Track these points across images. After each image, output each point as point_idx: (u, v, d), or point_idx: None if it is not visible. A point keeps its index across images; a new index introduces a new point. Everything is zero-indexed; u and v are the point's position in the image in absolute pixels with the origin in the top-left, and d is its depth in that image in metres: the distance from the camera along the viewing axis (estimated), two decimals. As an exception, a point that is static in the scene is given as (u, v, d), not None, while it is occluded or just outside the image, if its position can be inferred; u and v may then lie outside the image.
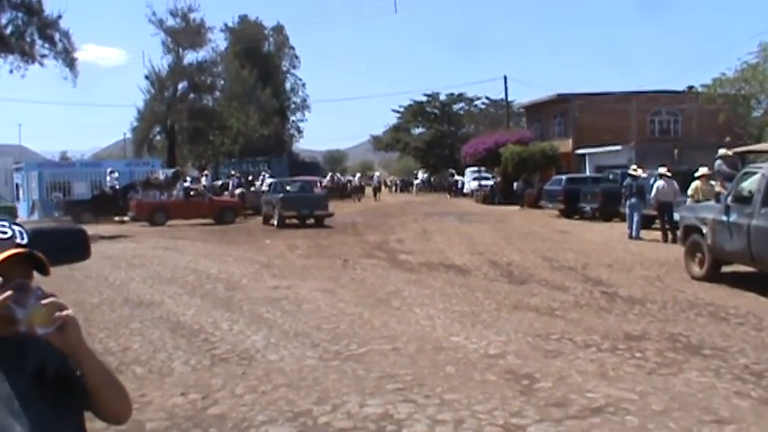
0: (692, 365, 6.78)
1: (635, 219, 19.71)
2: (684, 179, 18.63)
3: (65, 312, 1.65)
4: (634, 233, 19.65)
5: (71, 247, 2.89)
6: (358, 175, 65.33)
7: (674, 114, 45.11)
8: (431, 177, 61.36)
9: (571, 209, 28.31)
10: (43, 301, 1.63)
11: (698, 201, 15.86)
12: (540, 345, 7.68)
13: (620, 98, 42.48)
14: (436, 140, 73.18)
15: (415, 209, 36.59)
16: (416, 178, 70.39)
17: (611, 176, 28.32)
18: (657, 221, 19.80)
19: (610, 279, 12.41)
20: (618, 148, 37.97)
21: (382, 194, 55.96)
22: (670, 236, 18.29)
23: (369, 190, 56.64)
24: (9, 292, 1.62)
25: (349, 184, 55.90)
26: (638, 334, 8.11)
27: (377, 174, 69.27)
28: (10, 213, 26.40)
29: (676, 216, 15.84)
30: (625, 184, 21.29)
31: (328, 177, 54.69)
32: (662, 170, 19.69)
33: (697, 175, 17.49)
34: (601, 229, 22.86)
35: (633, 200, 19.98)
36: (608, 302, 10.23)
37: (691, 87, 41.00)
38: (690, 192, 17.08)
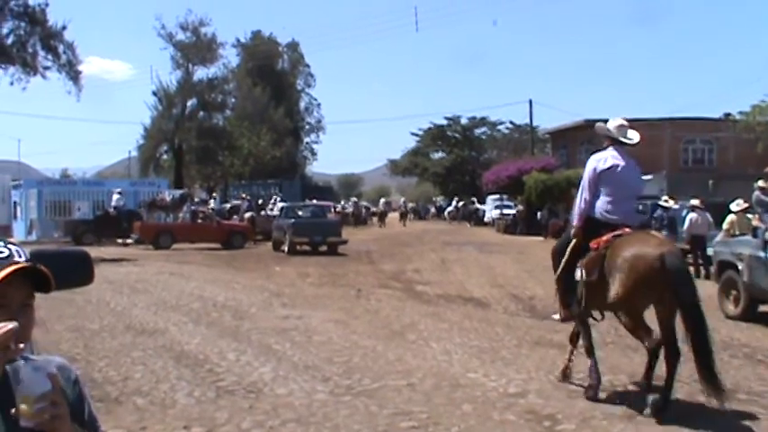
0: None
1: (666, 253, 19.57)
2: (719, 212, 18.54)
3: (55, 411, 1.56)
4: (665, 268, 19.49)
5: (74, 271, 2.95)
6: (383, 200, 65.39)
7: (708, 143, 44.98)
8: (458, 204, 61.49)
9: (598, 241, 28.14)
10: (38, 391, 1.55)
11: (733, 235, 15.77)
12: (562, 384, 7.65)
13: (651, 124, 42.27)
14: (456, 166, 73.26)
15: (434, 237, 36.56)
16: (443, 205, 70.37)
17: (640, 207, 28.07)
18: (689, 256, 19.69)
19: (638, 316, 12.31)
20: (648, 177, 37.69)
21: (391, 221, 55.95)
22: (703, 271, 18.18)
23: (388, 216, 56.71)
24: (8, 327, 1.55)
25: (365, 211, 55.98)
26: (668, 375, 8.04)
27: (402, 199, 69.46)
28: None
29: (710, 251, 15.77)
30: (655, 215, 21.20)
31: (351, 203, 54.84)
32: (695, 202, 19.62)
33: (733, 207, 17.41)
34: (629, 263, 22.68)
35: (664, 232, 19.86)
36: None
37: (728, 114, 40.97)
38: (725, 225, 17.00)
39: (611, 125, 7.44)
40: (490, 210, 51.89)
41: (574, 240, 7.37)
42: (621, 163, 7.21)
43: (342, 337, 10.27)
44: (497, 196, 50.04)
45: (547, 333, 10.75)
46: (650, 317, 6.98)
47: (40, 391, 1.55)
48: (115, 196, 32.75)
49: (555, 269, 7.65)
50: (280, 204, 35.21)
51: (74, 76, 31.80)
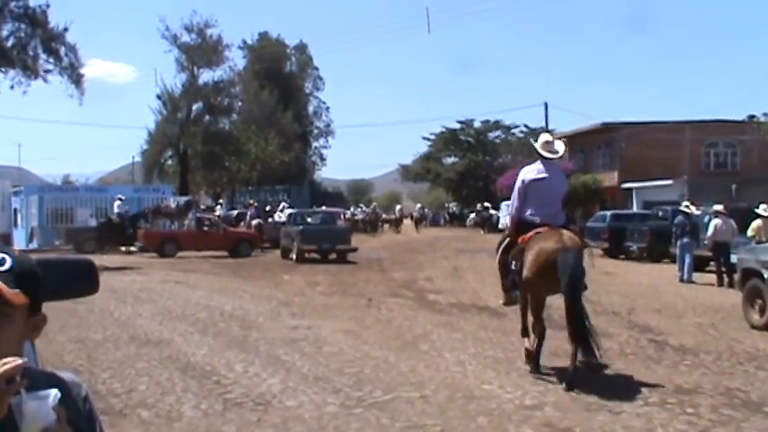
0: (751, 425, 6.69)
1: (687, 260, 19.55)
2: (743, 217, 18.49)
3: None
4: (686, 276, 19.48)
5: (79, 280, 2.96)
6: (398, 206, 65.42)
7: (732, 146, 44.84)
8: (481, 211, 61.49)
9: (616, 248, 28.15)
10: (43, 424, 1.51)
11: (759, 242, 15.72)
12: (580, 396, 7.62)
13: (671, 127, 42.35)
14: (470, 171, 73.15)
15: (446, 245, 36.55)
16: (455, 211, 70.33)
17: (660, 213, 28.16)
18: (712, 263, 19.62)
19: (659, 326, 12.30)
20: (669, 182, 37.82)
21: (405, 227, 56.01)
22: (726, 279, 18.10)
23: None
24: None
25: (377, 216, 56.08)
26: (690, 387, 8.02)
27: (418, 205, 69.50)
28: None
29: (733, 258, 15.69)
30: (676, 221, 21.13)
31: (371, 207, 54.86)
32: (718, 207, 19.55)
33: (758, 212, 17.35)
34: (649, 271, 22.68)
35: (685, 239, 19.82)
36: (656, 352, 10.14)
37: (752, 116, 40.73)
38: (750, 232, 16.95)
39: (539, 142, 9.11)
40: (504, 216, 51.81)
41: (507, 239, 9.30)
42: (545, 174, 8.83)
43: (352, 348, 10.27)
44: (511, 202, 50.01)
45: (564, 343, 10.64)
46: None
47: (45, 423, 1.52)
48: (117, 203, 32.86)
49: (499, 263, 9.58)
50: (288, 211, 35.26)
51: (76, 79, 31.84)
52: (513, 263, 8.95)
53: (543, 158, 8.95)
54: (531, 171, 8.96)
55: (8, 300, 1.57)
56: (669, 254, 23.06)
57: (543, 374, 8.51)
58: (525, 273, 8.43)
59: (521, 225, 8.91)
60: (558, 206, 9.09)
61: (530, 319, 8.96)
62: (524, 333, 9.08)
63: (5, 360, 1.52)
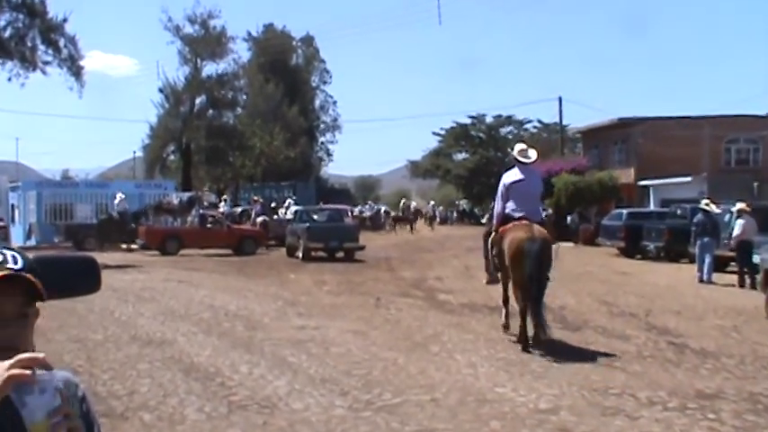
0: (775, 430, 6.66)
1: (707, 260, 19.48)
2: (764, 216, 18.42)
3: (70, 423, 1.54)
4: (705, 276, 19.40)
5: (80, 278, 2.94)
6: (413, 204, 65.37)
7: (753, 142, 44.58)
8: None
9: (633, 247, 28.08)
10: (49, 408, 1.53)
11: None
12: (597, 400, 7.60)
13: (690, 123, 42.15)
14: (481, 167, 73.03)
15: (456, 243, 36.52)
16: (466, 209, 70.23)
17: (678, 211, 28.07)
18: (733, 264, 19.54)
19: (678, 328, 12.25)
20: (687, 179, 37.66)
21: (419, 225, 55.94)
22: (748, 280, 18.03)
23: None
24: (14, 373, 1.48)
25: (385, 216, 56.06)
26: (712, 392, 7.98)
27: (431, 202, 69.48)
28: None
29: (756, 258, 15.62)
30: (696, 220, 21.04)
31: (402, 203, 54.96)
32: (741, 206, 19.47)
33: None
34: (667, 271, 22.61)
35: (705, 239, 19.73)
36: (676, 355, 10.09)
37: (775, 111, 40.50)
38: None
39: (515, 150, 11.33)
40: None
41: (493, 233, 11.36)
42: (523, 177, 10.85)
43: (361, 349, 10.27)
44: (524, 200, 49.96)
45: (579, 345, 10.70)
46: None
47: (50, 407, 1.53)
48: (118, 199, 32.91)
49: (484, 248, 12.04)
50: (294, 208, 35.29)
51: (75, 71, 31.81)
52: (493, 249, 11.26)
53: (520, 163, 11.03)
54: (511, 175, 10.96)
55: (42, 296, 1.66)
56: (688, 253, 22.98)
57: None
58: (505, 258, 10.64)
59: (505, 219, 10.90)
60: (536, 203, 11.29)
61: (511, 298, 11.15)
62: (505, 306, 11.43)
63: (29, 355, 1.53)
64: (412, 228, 51.51)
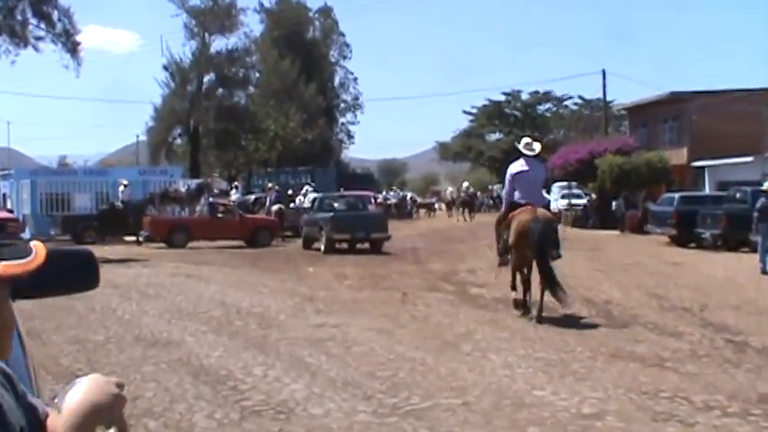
0: None
1: (770, 249, 19.31)
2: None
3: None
4: (768, 267, 19.24)
5: (77, 274, 2.93)
6: (450, 189, 65.23)
7: (823, 117, 44.07)
8: None
9: (686, 235, 27.87)
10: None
11: None
12: (646, 404, 7.56)
13: (751, 97, 41.72)
14: (516, 149, 72.71)
15: (490, 232, 36.39)
16: (500, 194, 70.00)
17: (738, 195, 27.82)
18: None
19: (737, 325, 12.15)
20: (748, 159, 37.31)
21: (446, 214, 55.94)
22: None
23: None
24: None
25: (411, 203, 56.03)
26: (777, 395, 7.90)
27: (465, 183, 69.35)
28: None
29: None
30: (757, 205, 20.83)
31: (456, 188, 55.06)
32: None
33: None
34: (724, 261, 22.44)
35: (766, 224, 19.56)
36: (735, 354, 10.01)
37: None
38: None
39: (521, 144, 13.72)
40: (556, 199, 51.33)
41: (504, 218, 13.54)
42: (527, 167, 13.19)
43: (385, 349, 10.26)
44: (565, 183, 49.56)
45: (626, 344, 10.64)
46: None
47: None
48: (122, 187, 33.04)
49: (496, 234, 13.99)
50: (312, 195, 35.34)
51: (71, 47, 31.62)
52: (504, 233, 13.28)
53: (525, 155, 13.32)
54: (517, 166, 13.31)
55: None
56: (748, 242, 22.80)
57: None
58: (510, 239, 12.80)
59: (512, 206, 13.17)
60: (539, 191, 14.14)
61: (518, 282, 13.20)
62: (513, 287, 13.27)
63: None
64: (470, 213, 51.05)
